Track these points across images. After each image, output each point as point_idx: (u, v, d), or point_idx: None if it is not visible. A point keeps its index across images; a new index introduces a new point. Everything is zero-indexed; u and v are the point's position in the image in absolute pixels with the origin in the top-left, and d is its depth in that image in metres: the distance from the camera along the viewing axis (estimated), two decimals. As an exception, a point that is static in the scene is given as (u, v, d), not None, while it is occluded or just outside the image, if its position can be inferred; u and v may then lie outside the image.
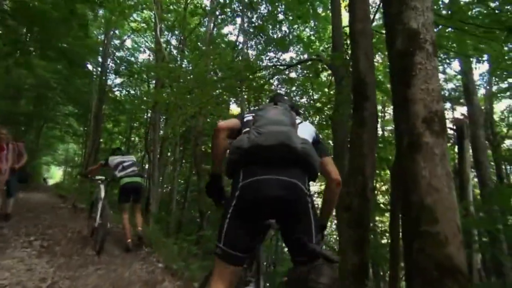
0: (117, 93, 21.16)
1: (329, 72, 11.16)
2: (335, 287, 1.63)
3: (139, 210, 5.86)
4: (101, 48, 18.33)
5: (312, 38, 13.76)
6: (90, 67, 18.82)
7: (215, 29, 15.23)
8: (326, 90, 11.18)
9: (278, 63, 10.85)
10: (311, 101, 11.11)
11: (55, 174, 39.85)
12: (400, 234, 4.92)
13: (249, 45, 12.79)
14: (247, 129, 1.97)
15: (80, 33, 11.23)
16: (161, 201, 15.42)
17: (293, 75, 12.30)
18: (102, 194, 5.47)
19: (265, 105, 2.32)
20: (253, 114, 2.09)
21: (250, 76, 8.68)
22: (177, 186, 16.44)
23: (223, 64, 9.17)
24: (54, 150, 29.45)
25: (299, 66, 10.99)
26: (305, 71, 11.40)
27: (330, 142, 12.73)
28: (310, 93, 11.27)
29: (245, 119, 2.11)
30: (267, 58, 12.67)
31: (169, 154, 18.53)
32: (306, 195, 1.79)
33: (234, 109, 13.80)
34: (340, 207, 4.93)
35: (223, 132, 2.00)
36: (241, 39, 13.40)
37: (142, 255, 5.20)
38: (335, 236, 19.54)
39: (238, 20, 13.16)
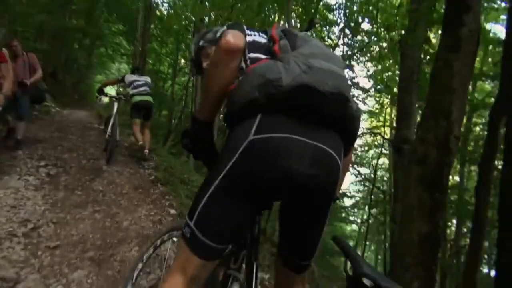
0: (164, 12, 20.13)
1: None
2: None
3: (148, 128, 6.17)
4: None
5: None
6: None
7: None
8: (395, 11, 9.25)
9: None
10: (376, 25, 9.20)
11: (111, 92, 40.75)
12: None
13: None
14: (261, 56, 1.27)
15: None
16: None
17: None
18: (114, 110, 5.85)
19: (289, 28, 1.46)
20: (280, 33, 1.33)
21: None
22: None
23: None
24: (107, 69, 29.68)
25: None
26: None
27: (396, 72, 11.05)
28: (374, 14, 9.34)
29: (250, 38, 1.34)
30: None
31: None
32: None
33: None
34: (410, 159, 3.73)
35: (238, 56, 1.20)
36: None
37: (155, 196, 4.43)
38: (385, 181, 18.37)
39: None
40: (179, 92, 21.17)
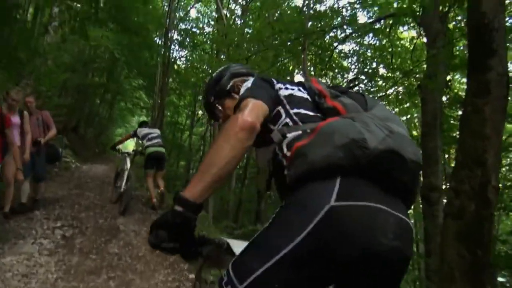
0: (182, 66, 20.88)
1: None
2: None
3: (162, 176, 6.58)
4: (167, 20, 17.79)
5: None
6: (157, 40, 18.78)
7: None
8: (410, 55, 9.26)
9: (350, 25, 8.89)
10: (391, 68, 9.16)
11: (130, 146, 41.47)
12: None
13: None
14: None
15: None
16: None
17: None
18: (128, 165, 6.15)
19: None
20: (329, 90, 1.25)
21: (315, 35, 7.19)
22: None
23: (285, 25, 7.72)
24: (127, 122, 30.42)
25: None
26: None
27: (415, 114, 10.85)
28: (389, 59, 9.35)
29: (286, 91, 1.25)
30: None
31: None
32: None
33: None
34: (446, 213, 3.44)
35: (255, 134, 1.07)
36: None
37: (172, 258, 4.20)
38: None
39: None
40: (196, 142, 21.37)
